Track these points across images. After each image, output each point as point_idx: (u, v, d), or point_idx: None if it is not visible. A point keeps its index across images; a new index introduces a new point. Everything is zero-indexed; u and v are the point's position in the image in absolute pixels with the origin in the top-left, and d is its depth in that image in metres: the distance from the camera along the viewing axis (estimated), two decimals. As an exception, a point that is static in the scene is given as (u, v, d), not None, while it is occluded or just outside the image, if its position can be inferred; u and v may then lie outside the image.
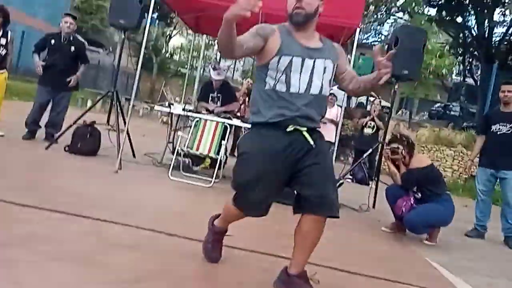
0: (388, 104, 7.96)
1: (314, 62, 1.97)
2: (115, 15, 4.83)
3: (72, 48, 5.30)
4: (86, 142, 4.84)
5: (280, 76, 1.95)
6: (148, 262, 2.14)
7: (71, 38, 5.33)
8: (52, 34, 5.41)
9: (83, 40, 5.90)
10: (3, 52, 4.92)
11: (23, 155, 4.40)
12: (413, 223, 3.73)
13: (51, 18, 16.77)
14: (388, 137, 4.65)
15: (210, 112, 5.21)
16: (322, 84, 1.99)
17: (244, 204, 2.05)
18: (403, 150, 3.93)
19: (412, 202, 3.82)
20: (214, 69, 5.86)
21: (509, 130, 4.35)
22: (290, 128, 1.94)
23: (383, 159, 4.96)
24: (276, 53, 1.94)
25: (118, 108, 4.93)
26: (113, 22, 4.93)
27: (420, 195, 3.85)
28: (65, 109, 5.37)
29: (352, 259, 2.92)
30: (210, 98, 5.60)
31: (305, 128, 1.95)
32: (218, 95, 5.62)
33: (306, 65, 1.95)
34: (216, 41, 1.97)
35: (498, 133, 4.40)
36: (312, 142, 1.95)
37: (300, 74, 1.95)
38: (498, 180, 4.49)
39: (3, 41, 4.92)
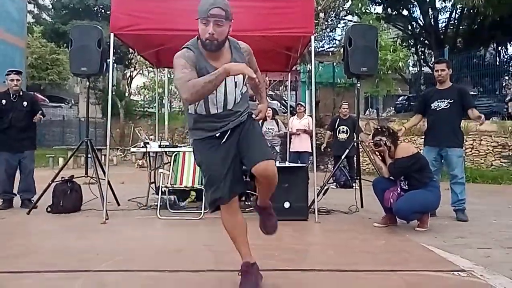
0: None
1: (225, 81, 2.10)
2: (76, 64, 4.84)
3: (25, 103, 5.14)
4: (68, 199, 4.76)
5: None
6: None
7: (21, 93, 5.19)
8: (0, 94, 5.17)
9: (32, 93, 5.78)
10: None
11: (6, 223, 4.28)
12: (401, 210, 3.83)
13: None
14: (363, 135, 4.79)
15: None
16: (235, 98, 2.21)
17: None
18: (387, 141, 4.02)
19: (399, 192, 3.93)
20: None
21: (447, 106, 4.55)
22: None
23: (367, 155, 5.08)
24: None
25: (95, 157, 4.90)
26: (75, 71, 4.94)
27: (407, 186, 3.97)
28: (32, 169, 5.23)
29: (352, 259, 2.99)
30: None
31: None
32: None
33: (228, 82, 2.15)
34: (193, 89, 1.98)
35: (437, 109, 4.60)
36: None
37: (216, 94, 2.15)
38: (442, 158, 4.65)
39: None
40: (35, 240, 3.55)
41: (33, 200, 4.99)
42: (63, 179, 4.89)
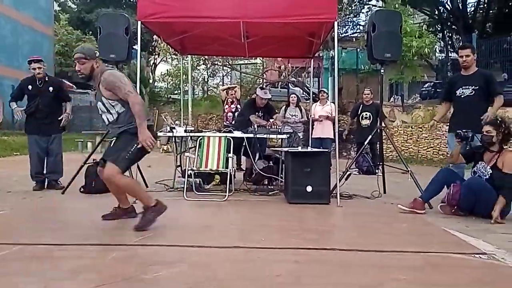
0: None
1: (101, 102, 3.27)
2: (104, 51, 4.98)
3: (51, 89, 5.26)
4: (99, 180, 4.94)
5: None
6: (191, 272, 2.29)
7: (47, 79, 5.30)
8: (27, 80, 5.32)
9: (59, 78, 5.95)
10: None
11: (44, 202, 4.53)
12: (473, 186, 3.73)
13: (37, 68, 16.96)
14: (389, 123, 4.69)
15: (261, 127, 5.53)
16: (112, 114, 3.27)
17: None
18: (495, 137, 3.75)
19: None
20: (262, 88, 6.44)
21: (472, 93, 4.48)
22: None
23: (390, 142, 5.01)
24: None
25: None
26: (104, 57, 5.08)
27: None
28: (60, 152, 5.41)
29: (374, 240, 3.06)
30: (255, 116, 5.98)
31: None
32: (262, 113, 6.05)
33: (99, 105, 3.31)
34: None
35: (462, 96, 4.54)
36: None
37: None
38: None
39: None
40: (71, 217, 3.78)
41: (59, 182, 5.25)
42: (94, 161, 5.10)
